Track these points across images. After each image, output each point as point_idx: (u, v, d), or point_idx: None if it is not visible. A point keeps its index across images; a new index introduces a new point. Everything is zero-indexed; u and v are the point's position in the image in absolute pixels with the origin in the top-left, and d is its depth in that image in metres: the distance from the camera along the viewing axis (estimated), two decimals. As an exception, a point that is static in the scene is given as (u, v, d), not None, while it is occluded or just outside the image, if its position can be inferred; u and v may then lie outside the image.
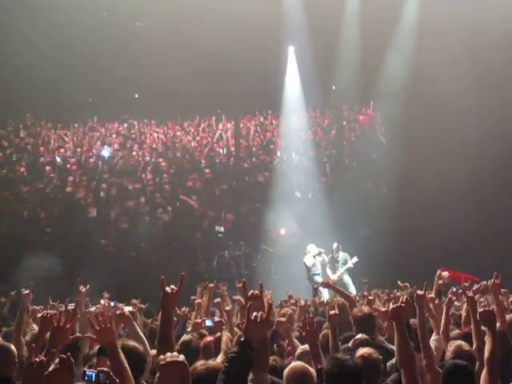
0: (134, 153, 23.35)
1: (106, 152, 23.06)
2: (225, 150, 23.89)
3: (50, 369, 3.41)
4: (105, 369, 3.63)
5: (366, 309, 6.88)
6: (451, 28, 18.43)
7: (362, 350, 4.93)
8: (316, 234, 18.01)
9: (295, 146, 22.60)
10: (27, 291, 7.33)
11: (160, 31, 19.12)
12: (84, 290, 7.54)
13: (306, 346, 5.99)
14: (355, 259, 17.06)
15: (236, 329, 7.47)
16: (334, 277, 17.13)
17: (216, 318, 7.64)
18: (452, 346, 5.50)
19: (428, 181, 19.40)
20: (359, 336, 6.14)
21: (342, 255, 17.39)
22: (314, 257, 17.07)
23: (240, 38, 18.66)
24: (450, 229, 18.28)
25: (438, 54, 18.72)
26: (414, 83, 19.54)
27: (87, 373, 3.71)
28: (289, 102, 22.22)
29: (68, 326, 4.67)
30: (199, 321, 7.71)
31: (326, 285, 10.61)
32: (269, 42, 19.46)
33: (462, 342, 5.57)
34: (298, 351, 6.00)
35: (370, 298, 7.95)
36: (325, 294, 15.20)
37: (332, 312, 5.92)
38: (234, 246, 19.87)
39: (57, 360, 3.44)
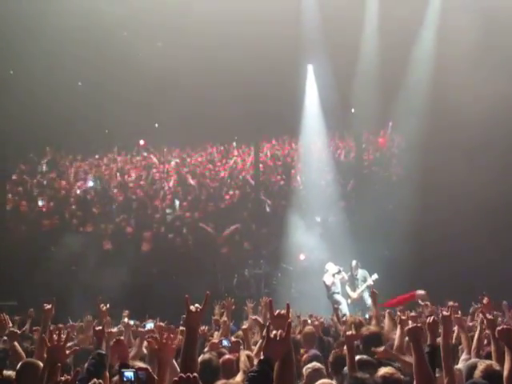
0: (157, 181, 23.34)
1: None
2: (241, 176, 23.83)
3: None
4: (143, 366, 3.65)
5: (373, 327, 6.88)
6: (472, 47, 18.37)
7: (384, 370, 4.91)
8: (336, 254, 18.04)
9: (314, 169, 22.52)
10: (49, 306, 7.32)
11: (176, 57, 19.16)
12: (105, 308, 7.60)
13: (316, 364, 6.03)
14: (375, 276, 17.01)
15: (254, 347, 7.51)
16: (354, 295, 17.12)
17: (233, 338, 7.65)
18: (482, 365, 5.35)
19: (448, 200, 19.34)
20: (359, 357, 6.15)
21: (360, 272, 17.39)
22: (334, 275, 17.07)
23: (258, 58, 18.77)
24: (472, 249, 18.19)
25: (458, 75, 18.64)
26: (435, 103, 19.52)
27: (125, 374, 3.71)
28: (308, 123, 22.20)
29: (62, 344, 4.71)
30: (216, 341, 7.73)
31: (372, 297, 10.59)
32: (287, 61, 19.51)
33: (493, 362, 5.48)
34: (308, 370, 6.00)
35: (402, 317, 7.87)
36: (345, 313, 15.17)
37: (348, 332, 5.92)
38: (254, 265, 19.86)
39: None
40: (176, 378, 3.17)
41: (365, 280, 17.19)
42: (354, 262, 17.46)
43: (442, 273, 18.06)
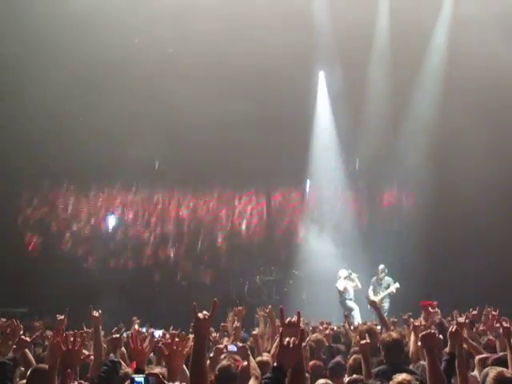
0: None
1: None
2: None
3: None
4: (153, 371, 3.64)
5: (394, 334, 6.85)
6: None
7: (401, 377, 4.86)
8: (349, 261, 18.07)
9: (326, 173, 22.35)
10: (62, 317, 7.51)
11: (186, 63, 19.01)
12: (97, 314, 7.56)
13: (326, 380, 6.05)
14: (397, 285, 17.04)
15: (266, 354, 7.48)
16: (375, 298, 17.07)
17: (240, 344, 7.62)
18: (493, 372, 5.26)
19: (464, 202, 19.37)
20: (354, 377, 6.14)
21: (386, 279, 17.36)
22: (345, 279, 17.03)
23: (269, 63, 18.73)
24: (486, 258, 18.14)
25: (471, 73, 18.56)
26: (449, 106, 19.48)
27: (136, 379, 3.74)
28: (319, 134, 21.99)
29: (77, 348, 4.71)
30: (221, 346, 7.71)
31: (371, 304, 10.52)
32: (299, 67, 19.45)
33: (504, 369, 5.42)
34: None
35: (416, 324, 7.77)
36: (357, 319, 15.13)
37: (363, 341, 5.90)
38: (265, 272, 19.83)
39: None
40: None
41: (388, 287, 17.19)
42: (381, 266, 17.45)
43: (455, 278, 18.03)
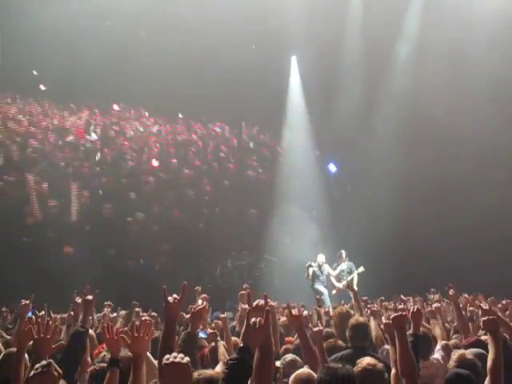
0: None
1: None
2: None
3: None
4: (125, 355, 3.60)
5: (361, 318, 6.89)
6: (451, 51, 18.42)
7: (366, 361, 4.90)
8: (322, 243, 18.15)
9: (297, 158, 22.41)
10: (27, 302, 7.55)
11: (161, 43, 18.85)
12: (90, 297, 7.45)
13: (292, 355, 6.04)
14: (361, 269, 17.04)
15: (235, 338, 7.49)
16: (339, 285, 17.12)
17: (209, 330, 7.62)
18: (455, 355, 5.50)
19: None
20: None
21: (348, 264, 17.39)
22: (314, 268, 17.04)
23: (241, 49, 18.69)
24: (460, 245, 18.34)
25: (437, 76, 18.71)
26: (418, 92, 19.60)
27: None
28: (292, 115, 22.17)
29: (48, 337, 4.65)
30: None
31: (348, 287, 10.51)
32: (271, 51, 19.44)
33: (466, 351, 5.57)
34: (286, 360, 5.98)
35: (373, 309, 7.87)
36: (327, 303, 15.21)
37: (316, 329, 5.87)
38: (236, 256, 19.78)
39: None
40: None
41: (351, 272, 17.19)
42: (343, 253, 17.45)
43: (427, 264, 18.22)
